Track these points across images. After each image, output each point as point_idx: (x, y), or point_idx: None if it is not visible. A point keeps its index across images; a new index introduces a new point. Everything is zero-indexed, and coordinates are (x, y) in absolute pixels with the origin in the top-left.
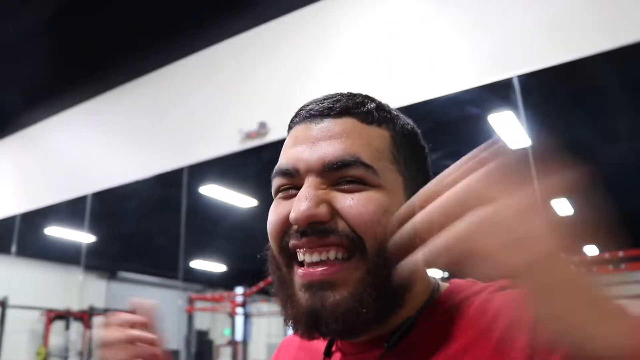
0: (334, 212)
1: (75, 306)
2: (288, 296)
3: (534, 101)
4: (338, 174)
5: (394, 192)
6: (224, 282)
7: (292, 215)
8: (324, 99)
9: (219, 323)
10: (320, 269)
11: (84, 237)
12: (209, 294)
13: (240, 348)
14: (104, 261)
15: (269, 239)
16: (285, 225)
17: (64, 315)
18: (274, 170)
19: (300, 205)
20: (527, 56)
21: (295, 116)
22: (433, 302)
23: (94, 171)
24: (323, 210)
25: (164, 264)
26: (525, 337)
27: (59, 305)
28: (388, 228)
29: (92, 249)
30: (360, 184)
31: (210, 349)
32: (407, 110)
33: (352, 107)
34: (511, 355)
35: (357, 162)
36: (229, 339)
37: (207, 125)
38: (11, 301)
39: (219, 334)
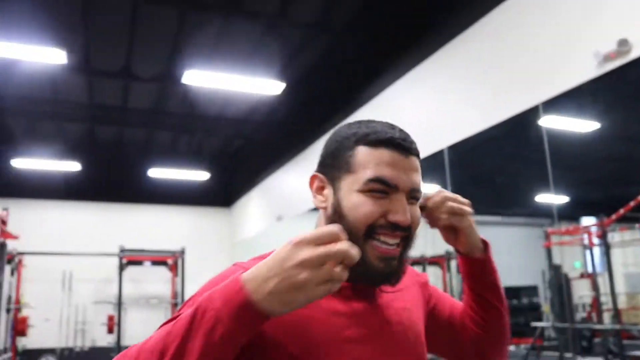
0: None
1: (430, 252)
2: (360, 261)
3: None
4: (412, 194)
5: None
6: (566, 214)
7: (399, 219)
8: (404, 138)
9: (567, 256)
10: (392, 249)
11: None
12: (549, 228)
13: (605, 279)
14: None
15: (357, 223)
16: (376, 218)
17: (419, 262)
18: (374, 176)
19: (405, 214)
20: None
21: (378, 137)
22: None
23: (448, 125)
24: (410, 218)
25: (505, 202)
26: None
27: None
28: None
29: None
30: (417, 200)
31: (567, 283)
32: None
33: (416, 148)
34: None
35: (420, 190)
36: (581, 271)
37: (555, 55)
38: None
39: (569, 268)
